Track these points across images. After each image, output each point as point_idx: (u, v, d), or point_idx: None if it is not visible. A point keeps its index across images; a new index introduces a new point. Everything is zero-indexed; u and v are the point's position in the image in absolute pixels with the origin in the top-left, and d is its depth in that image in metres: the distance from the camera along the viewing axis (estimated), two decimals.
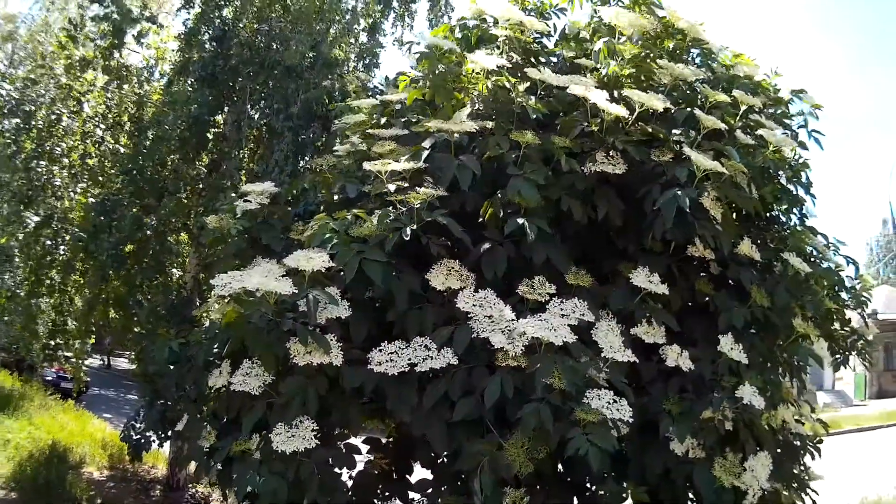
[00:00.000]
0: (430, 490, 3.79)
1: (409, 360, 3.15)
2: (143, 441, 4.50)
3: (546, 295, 3.30)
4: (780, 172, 4.65)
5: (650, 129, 3.73)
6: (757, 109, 4.16)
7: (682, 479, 3.48)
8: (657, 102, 3.63)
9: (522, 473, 3.02)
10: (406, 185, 3.49)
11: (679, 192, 3.39)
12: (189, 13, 8.92)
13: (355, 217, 3.44)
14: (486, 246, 3.45)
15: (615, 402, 3.00)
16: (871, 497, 8.51)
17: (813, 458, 4.91)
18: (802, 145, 4.65)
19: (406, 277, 3.36)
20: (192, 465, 7.46)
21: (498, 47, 4.09)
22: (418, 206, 3.30)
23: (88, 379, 18.21)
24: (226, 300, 3.42)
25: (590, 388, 3.04)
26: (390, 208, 3.40)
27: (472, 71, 3.85)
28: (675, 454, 3.40)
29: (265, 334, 3.26)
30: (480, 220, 3.54)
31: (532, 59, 4.33)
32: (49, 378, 17.61)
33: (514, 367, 3.01)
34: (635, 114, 3.65)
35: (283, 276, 3.25)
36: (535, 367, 2.97)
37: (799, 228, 4.72)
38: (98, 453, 11.40)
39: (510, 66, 3.86)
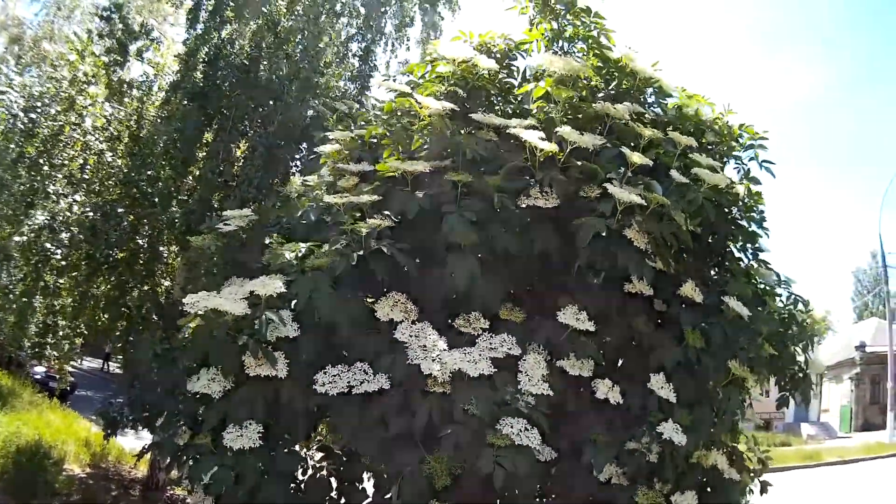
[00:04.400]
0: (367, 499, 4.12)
1: (349, 382, 3.57)
2: (118, 418, 4.86)
3: (479, 329, 3.63)
4: (734, 209, 4.90)
5: (580, 166, 3.98)
6: (694, 147, 4.33)
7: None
8: (589, 140, 3.90)
9: (441, 486, 3.35)
10: (359, 215, 3.85)
11: (598, 220, 3.67)
12: (191, 34, 9.27)
13: (311, 248, 3.78)
14: (431, 280, 3.79)
15: (527, 429, 3.33)
16: None
17: (763, 490, 5.14)
18: (754, 180, 4.84)
19: (352, 306, 3.73)
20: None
21: (451, 85, 4.42)
22: (366, 233, 3.66)
23: (73, 379, 18.48)
24: (195, 315, 3.81)
25: (506, 416, 3.37)
26: (343, 237, 3.76)
27: (424, 114, 4.16)
28: (599, 480, 3.71)
29: (224, 346, 3.66)
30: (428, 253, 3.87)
31: (486, 97, 4.66)
32: (38, 377, 17.82)
33: (442, 393, 3.37)
34: (567, 151, 3.91)
35: (245, 297, 3.66)
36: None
37: (753, 264, 4.91)
38: (82, 451, 11.61)
39: (457, 108, 4.17)
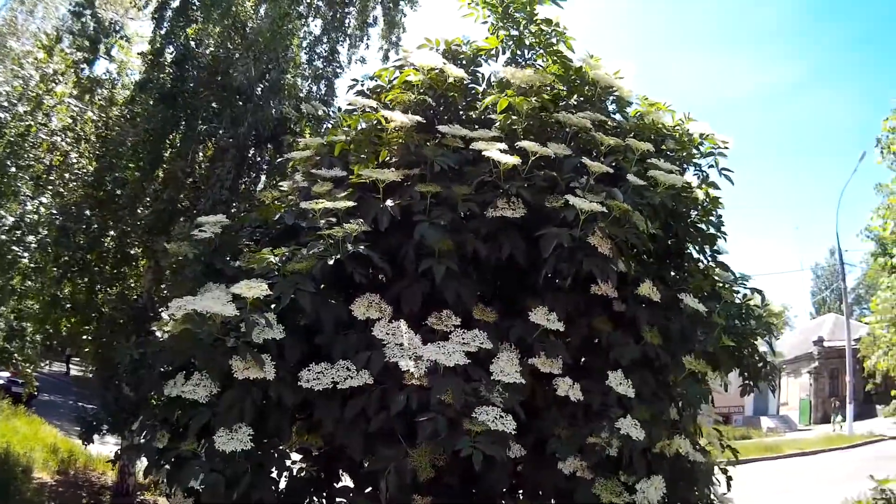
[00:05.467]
0: (350, 495, 4.23)
1: (333, 378, 3.67)
2: (94, 424, 4.89)
3: (452, 326, 3.81)
4: (692, 212, 5.11)
5: (542, 175, 4.15)
6: (652, 152, 4.51)
7: (570, 495, 3.93)
8: (550, 150, 4.09)
9: (424, 478, 3.52)
10: (335, 221, 3.98)
11: (559, 231, 3.85)
12: (157, 32, 9.24)
13: (292, 252, 3.89)
14: (405, 283, 3.94)
15: (501, 416, 3.51)
16: None
17: (729, 483, 5.34)
18: (713, 185, 5.04)
19: (334, 306, 3.87)
20: (141, 473, 7.75)
21: (420, 94, 4.54)
22: (342, 237, 3.80)
23: (38, 384, 18.21)
24: (178, 319, 3.84)
25: (481, 406, 3.54)
26: (320, 241, 3.90)
27: (391, 127, 4.32)
28: (564, 473, 3.89)
29: (210, 350, 3.73)
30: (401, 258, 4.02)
31: (455, 104, 4.80)
32: (1, 382, 17.52)
33: (419, 387, 3.53)
34: (529, 162, 4.09)
35: (229, 301, 3.72)
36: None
37: (711, 264, 5.11)
38: (49, 458, 11.49)
39: (424, 121, 4.33)
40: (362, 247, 3.84)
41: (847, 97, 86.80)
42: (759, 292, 5.20)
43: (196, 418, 3.81)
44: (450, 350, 3.59)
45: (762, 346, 5.30)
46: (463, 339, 3.73)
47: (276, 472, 4.02)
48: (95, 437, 7.20)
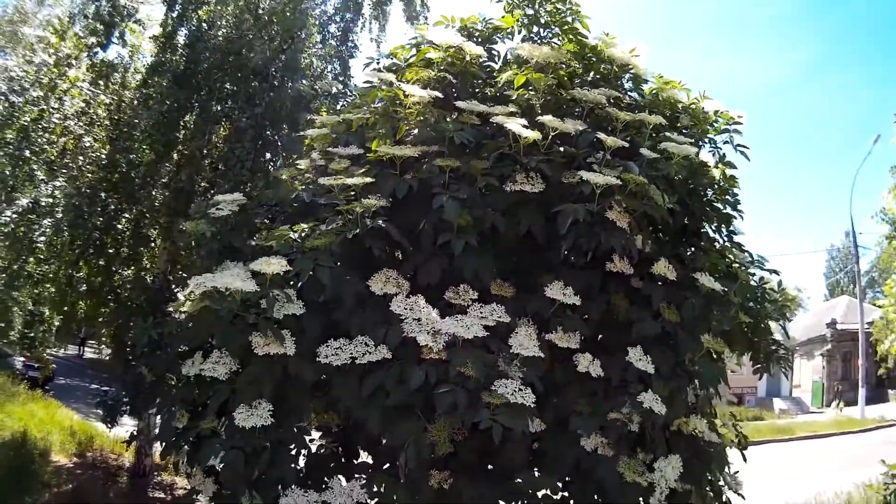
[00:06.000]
0: (369, 471, 4.25)
1: (351, 354, 3.69)
2: (116, 405, 4.93)
3: (469, 300, 3.81)
4: (709, 191, 5.09)
5: (562, 151, 4.16)
6: (664, 126, 4.50)
7: (591, 472, 3.94)
8: (570, 126, 4.08)
9: (443, 452, 3.52)
10: (353, 196, 3.99)
11: (576, 206, 3.84)
12: (170, 15, 9.24)
13: (312, 228, 3.89)
14: (423, 258, 3.95)
15: (521, 389, 3.50)
16: (828, 493, 9.02)
17: (745, 456, 5.37)
18: (729, 164, 5.02)
19: (352, 282, 3.87)
20: (158, 454, 7.84)
21: (441, 71, 4.54)
22: (361, 211, 3.80)
23: (55, 366, 18.43)
24: (197, 297, 3.85)
25: (500, 380, 3.54)
26: (339, 217, 3.91)
27: (410, 102, 4.31)
28: (586, 450, 3.89)
29: (230, 327, 3.74)
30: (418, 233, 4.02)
31: (472, 82, 4.79)
32: (17, 367, 17.73)
33: (438, 361, 3.53)
34: (550, 137, 4.09)
35: (248, 277, 3.73)
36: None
37: (727, 244, 5.09)
38: (67, 441, 11.61)
39: (442, 96, 4.32)
40: (381, 221, 3.84)
41: (860, 81, 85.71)
42: (777, 273, 5.17)
43: (216, 395, 3.85)
44: (468, 323, 3.57)
45: (776, 330, 5.27)
46: (481, 313, 3.71)
47: (295, 449, 4.05)
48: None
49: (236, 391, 3.80)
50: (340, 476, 4.04)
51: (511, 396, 3.43)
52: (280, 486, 3.85)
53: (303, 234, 3.93)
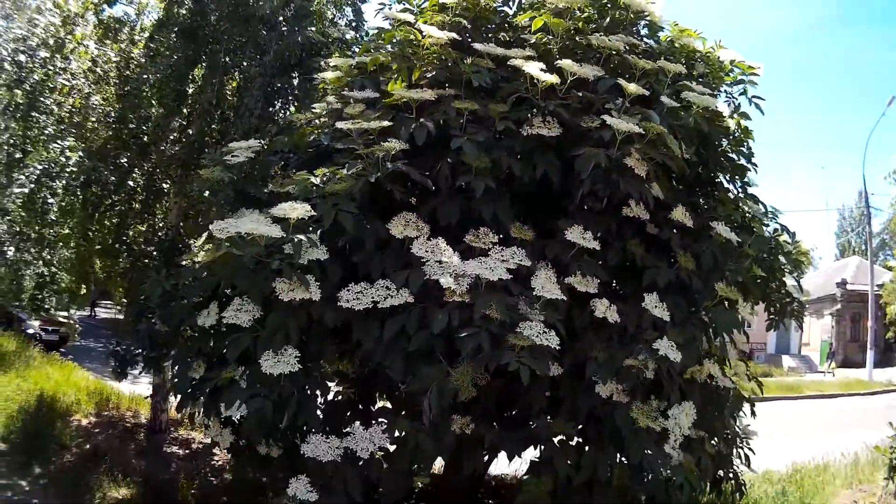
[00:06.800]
0: (388, 416, 4.26)
1: (373, 298, 3.65)
2: (128, 357, 4.88)
3: (490, 243, 3.78)
4: (724, 141, 5.03)
5: (581, 96, 4.11)
6: (683, 74, 4.44)
7: (607, 418, 3.97)
8: (588, 71, 4.02)
9: (466, 397, 3.51)
10: (371, 139, 3.95)
11: (596, 151, 3.80)
12: None
13: (332, 172, 3.86)
14: (441, 199, 3.92)
15: (545, 332, 3.49)
16: (834, 453, 9.09)
17: (754, 413, 5.41)
18: (744, 115, 4.98)
19: (373, 225, 3.85)
20: (173, 409, 7.91)
21: (455, 16, 4.48)
22: (381, 155, 3.76)
23: (65, 329, 18.60)
24: (216, 244, 3.82)
25: (524, 321, 3.52)
26: (359, 161, 3.85)
27: (427, 43, 4.24)
28: (601, 397, 3.90)
29: (253, 273, 3.71)
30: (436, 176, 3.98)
31: (487, 27, 4.73)
32: (31, 331, 17.89)
33: (460, 304, 3.50)
34: (568, 82, 4.02)
35: (271, 223, 3.66)
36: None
37: (741, 195, 5.08)
38: (84, 401, 11.73)
39: (459, 38, 4.25)
40: (401, 164, 3.79)
41: (882, 41, 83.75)
42: (788, 230, 5.17)
43: (235, 343, 3.79)
44: (492, 265, 3.54)
45: (790, 283, 5.31)
46: (502, 255, 3.69)
47: (323, 394, 4.04)
48: (129, 376, 7.34)
49: (259, 339, 3.76)
50: (358, 423, 4.07)
51: (536, 338, 3.42)
52: (301, 434, 3.86)
53: (324, 179, 3.86)
